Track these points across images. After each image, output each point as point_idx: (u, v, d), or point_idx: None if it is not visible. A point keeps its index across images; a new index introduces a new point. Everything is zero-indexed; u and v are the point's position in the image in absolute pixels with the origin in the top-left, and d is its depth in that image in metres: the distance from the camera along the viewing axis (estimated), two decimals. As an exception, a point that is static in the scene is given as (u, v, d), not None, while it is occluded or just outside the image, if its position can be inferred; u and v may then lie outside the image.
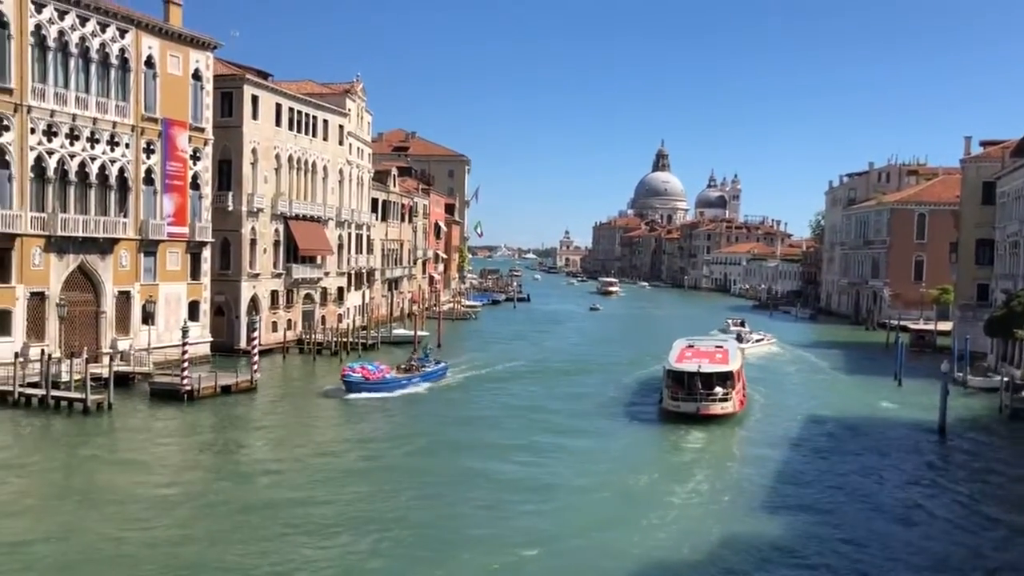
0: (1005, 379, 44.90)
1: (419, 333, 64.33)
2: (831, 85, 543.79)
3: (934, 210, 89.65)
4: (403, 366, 48.33)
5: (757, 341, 73.60)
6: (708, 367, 40.96)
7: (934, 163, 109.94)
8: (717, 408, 39.65)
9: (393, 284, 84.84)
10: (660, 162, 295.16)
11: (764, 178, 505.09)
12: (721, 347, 47.34)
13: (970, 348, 53.83)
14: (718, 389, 40.05)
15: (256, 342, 46.38)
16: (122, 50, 46.71)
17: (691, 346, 47.01)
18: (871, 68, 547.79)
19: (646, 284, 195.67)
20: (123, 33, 46.77)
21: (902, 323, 74.24)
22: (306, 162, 63.74)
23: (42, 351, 41.02)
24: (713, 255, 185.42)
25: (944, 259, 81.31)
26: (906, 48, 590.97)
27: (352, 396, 43.18)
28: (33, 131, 42.25)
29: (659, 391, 44.21)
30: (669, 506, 27.16)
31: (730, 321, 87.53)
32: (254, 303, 57.82)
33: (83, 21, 44.55)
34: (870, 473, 31.99)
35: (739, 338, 71.20)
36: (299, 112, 62.77)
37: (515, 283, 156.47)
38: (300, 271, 62.58)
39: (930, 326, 75.21)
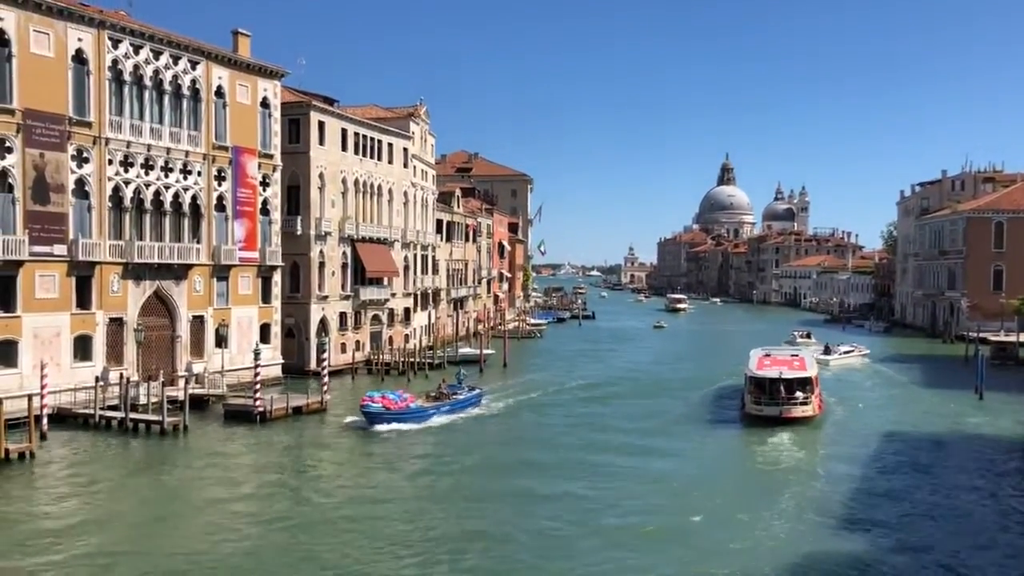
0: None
1: (485, 351, 64.57)
2: (901, 95, 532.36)
3: (1013, 217, 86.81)
4: (432, 394, 45.18)
5: (846, 352, 72.33)
6: (789, 373, 43.30)
7: (1011, 169, 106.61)
8: (798, 411, 41.96)
9: (458, 304, 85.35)
10: (725, 176, 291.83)
11: (833, 189, 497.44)
12: (797, 355, 50.06)
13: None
14: (798, 393, 42.37)
15: (326, 363, 47.04)
16: (193, 81, 48.14)
17: (768, 355, 49.29)
18: (942, 76, 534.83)
19: (717, 300, 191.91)
20: (194, 65, 48.21)
21: (982, 335, 71.74)
22: (372, 185, 64.65)
23: (121, 375, 42.28)
24: (782, 269, 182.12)
25: (1025, 268, 78.58)
26: (978, 54, 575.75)
27: (374, 428, 40.09)
28: (111, 162, 43.73)
29: (739, 398, 46.49)
30: (758, 518, 26.86)
31: (796, 333, 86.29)
32: (323, 325, 58.68)
33: (156, 55, 46.07)
34: (955, 489, 30.91)
35: (827, 350, 70.17)
36: (364, 136, 63.75)
37: (580, 301, 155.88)
38: (367, 293, 63.32)
39: (1012, 337, 72.66)
